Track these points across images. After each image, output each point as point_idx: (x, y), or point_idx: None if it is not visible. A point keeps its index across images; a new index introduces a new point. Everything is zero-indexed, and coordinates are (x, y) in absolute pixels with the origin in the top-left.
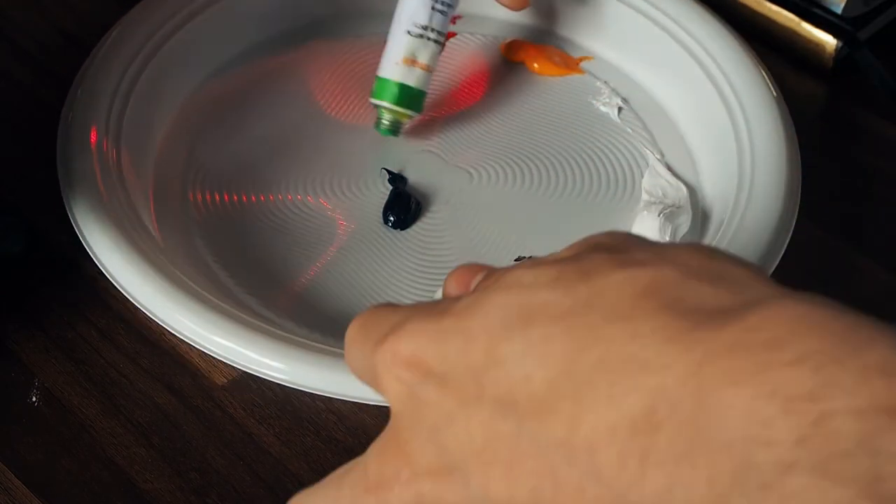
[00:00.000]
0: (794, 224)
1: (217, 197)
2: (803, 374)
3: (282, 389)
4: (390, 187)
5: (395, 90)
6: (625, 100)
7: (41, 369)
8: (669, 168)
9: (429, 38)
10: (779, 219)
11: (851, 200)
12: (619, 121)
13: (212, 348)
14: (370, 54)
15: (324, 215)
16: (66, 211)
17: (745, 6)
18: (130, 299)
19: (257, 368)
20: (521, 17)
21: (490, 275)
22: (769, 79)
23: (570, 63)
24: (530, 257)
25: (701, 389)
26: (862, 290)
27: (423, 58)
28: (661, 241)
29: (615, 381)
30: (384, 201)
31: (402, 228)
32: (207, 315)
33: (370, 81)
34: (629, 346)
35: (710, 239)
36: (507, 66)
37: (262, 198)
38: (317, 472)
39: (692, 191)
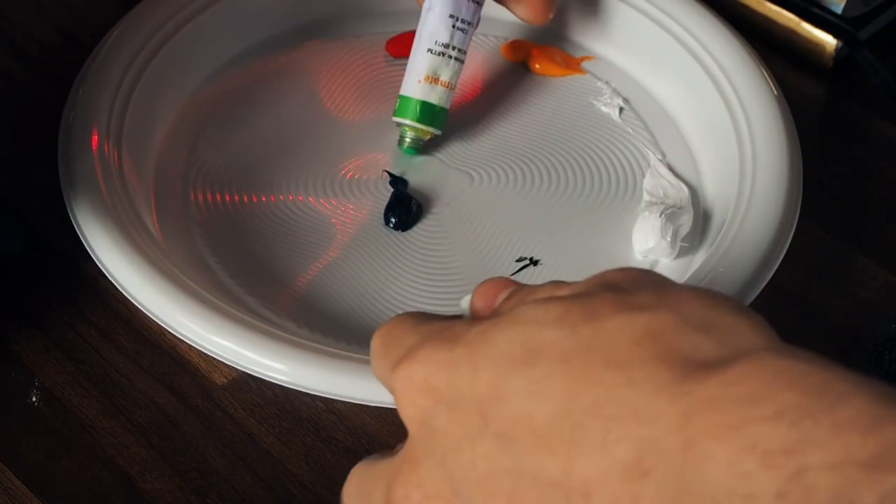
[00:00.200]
0: (795, 224)
1: (218, 197)
2: (780, 428)
3: (282, 390)
4: (391, 190)
5: (416, 108)
6: (626, 100)
7: (41, 369)
8: (671, 168)
9: (450, 56)
10: (780, 219)
11: (851, 200)
12: (620, 121)
13: (212, 349)
14: (371, 54)
15: (325, 216)
16: (66, 211)
17: (745, 6)
18: (131, 299)
19: (257, 369)
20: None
21: (513, 295)
22: (770, 78)
23: (572, 63)
24: (531, 258)
25: (687, 441)
26: (862, 291)
27: (445, 75)
28: (674, 280)
29: (608, 427)
30: (385, 203)
31: (404, 230)
32: (207, 315)
33: (371, 82)
34: (623, 391)
35: (711, 239)
36: (508, 67)
37: (263, 198)
38: (317, 472)
39: (693, 191)
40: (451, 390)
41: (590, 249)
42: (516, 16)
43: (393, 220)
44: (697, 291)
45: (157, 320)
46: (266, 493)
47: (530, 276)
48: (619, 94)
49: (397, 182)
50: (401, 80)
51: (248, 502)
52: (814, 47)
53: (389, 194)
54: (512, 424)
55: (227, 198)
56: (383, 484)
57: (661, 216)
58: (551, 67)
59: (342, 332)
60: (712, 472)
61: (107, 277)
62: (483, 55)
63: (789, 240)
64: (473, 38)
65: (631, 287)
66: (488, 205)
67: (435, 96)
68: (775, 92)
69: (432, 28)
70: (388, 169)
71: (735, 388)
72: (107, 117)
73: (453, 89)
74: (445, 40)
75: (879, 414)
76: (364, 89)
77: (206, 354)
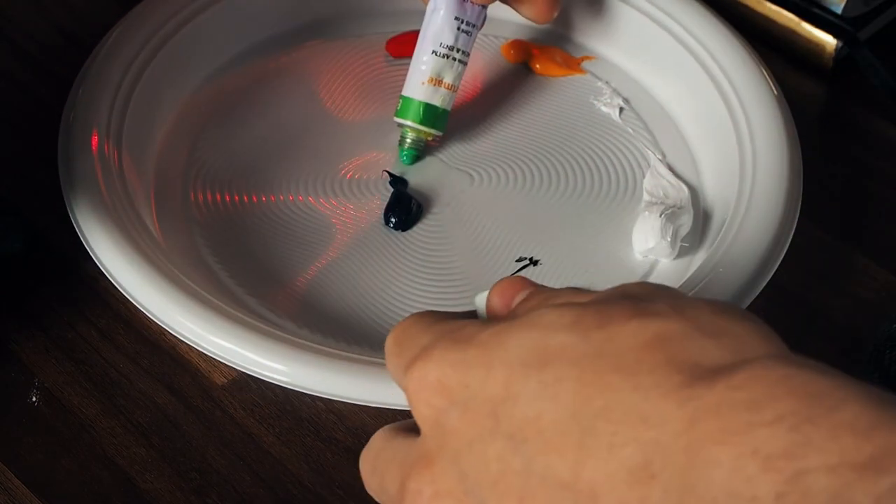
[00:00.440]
0: (795, 224)
1: (218, 197)
2: (780, 433)
3: (282, 390)
4: (391, 189)
5: (419, 110)
6: (626, 100)
7: (41, 369)
8: (671, 168)
9: (454, 59)
10: (780, 219)
11: (851, 200)
12: (620, 121)
13: (211, 349)
14: (371, 54)
15: (325, 216)
16: (66, 211)
17: (744, 6)
18: (131, 300)
19: (257, 370)
20: (523, 19)
21: (531, 297)
22: (770, 78)
23: (572, 63)
24: (531, 259)
25: (692, 446)
26: (862, 291)
27: (449, 78)
28: (673, 282)
29: (616, 430)
30: (385, 203)
31: (403, 230)
32: (207, 316)
33: (371, 82)
34: (632, 396)
35: (711, 239)
36: (509, 67)
37: (263, 198)
38: (317, 472)
39: (694, 191)
40: (465, 391)
41: (590, 249)
42: (521, 15)
43: (393, 220)
44: (710, 302)
45: (156, 321)
46: (266, 493)
47: (530, 276)
48: (619, 94)
49: (397, 182)
50: (401, 81)
51: (248, 502)
52: (814, 47)
53: (389, 194)
54: (523, 426)
55: (228, 198)
56: (398, 471)
57: (661, 216)
58: (552, 67)
59: (342, 333)
60: (717, 476)
61: (107, 277)
62: (483, 55)
63: (789, 240)
64: None
65: (647, 297)
66: (488, 205)
67: (438, 98)
68: (775, 92)
69: (437, 30)
70: (388, 169)
71: (739, 393)
72: (107, 117)
73: (456, 91)
74: (450, 42)
75: (876, 418)
76: (364, 89)
77: (206, 354)
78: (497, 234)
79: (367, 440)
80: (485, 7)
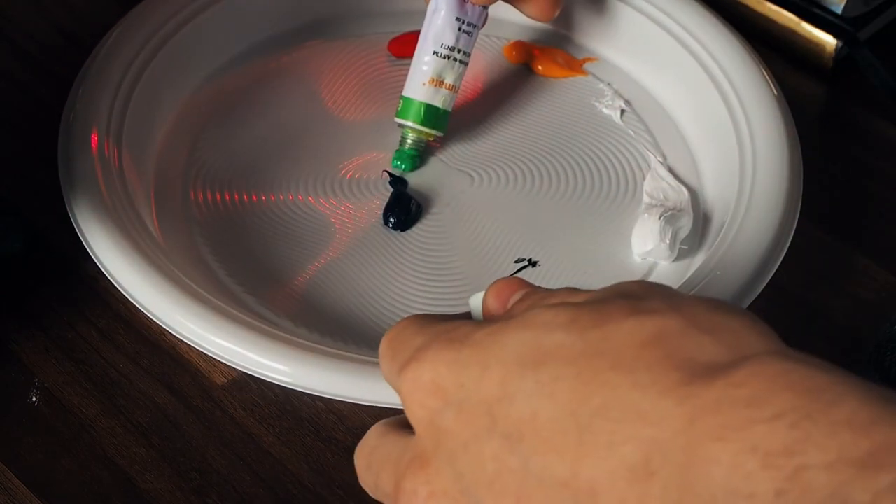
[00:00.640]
0: (794, 227)
1: (218, 196)
2: (780, 430)
3: (282, 390)
4: (391, 189)
5: (420, 111)
6: (628, 102)
7: (41, 369)
8: (671, 171)
9: (455, 59)
10: (780, 221)
11: (851, 201)
12: (621, 123)
13: (211, 349)
14: (372, 54)
15: (324, 216)
16: (66, 211)
17: (744, 6)
18: (131, 300)
19: (257, 370)
20: (525, 20)
21: (527, 297)
22: (771, 79)
23: (574, 65)
24: (530, 260)
25: (691, 443)
26: (862, 291)
27: (450, 78)
28: (673, 284)
29: (615, 428)
30: (385, 203)
31: (403, 230)
32: (207, 316)
33: (372, 81)
34: (630, 394)
35: (710, 242)
36: (510, 68)
37: (263, 198)
38: (317, 472)
39: (694, 194)
40: (460, 391)
41: (589, 251)
42: (524, 13)
43: (392, 220)
44: (705, 299)
45: (157, 321)
46: (266, 493)
47: (529, 277)
48: (620, 96)
49: (397, 182)
50: (403, 81)
51: (248, 502)
52: (814, 47)
53: (389, 194)
54: (519, 425)
55: (228, 197)
56: (392, 470)
57: (660, 218)
58: (554, 69)
59: (341, 332)
60: (716, 473)
61: (107, 277)
62: (485, 56)
63: (788, 242)
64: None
65: (643, 295)
66: (488, 205)
67: (439, 99)
68: (776, 93)
69: (438, 30)
70: (388, 169)
71: (738, 390)
72: (107, 117)
73: (457, 92)
74: (451, 43)
75: (874, 415)
76: (365, 89)
77: (205, 354)
78: (497, 235)
79: None
80: (486, 7)
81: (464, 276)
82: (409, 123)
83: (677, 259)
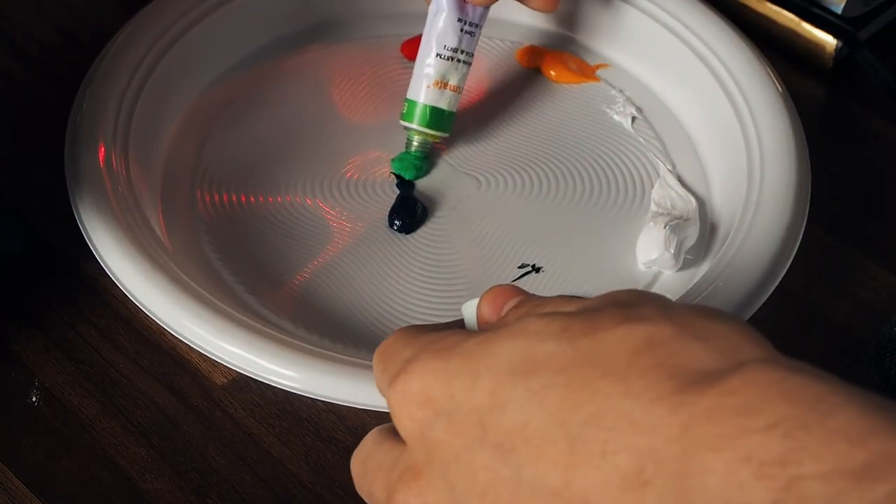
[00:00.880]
0: (801, 236)
1: (225, 197)
2: (774, 439)
3: (282, 390)
4: (397, 192)
5: (425, 113)
6: (639, 109)
7: (41, 369)
8: (680, 179)
9: (459, 60)
10: (786, 229)
11: (852, 201)
12: (632, 130)
13: (215, 352)
14: (377, 57)
15: (330, 218)
16: (66, 211)
17: (745, 6)
18: (137, 303)
19: (261, 374)
20: (538, 23)
21: (521, 305)
22: (781, 86)
23: (586, 70)
24: (533, 265)
25: (685, 452)
26: (862, 292)
27: (454, 80)
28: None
29: (608, 437)
30: (391, 205)
31: (408, 232)
32: (211, 318)
33: (377, 83)
34: (622, 402)
35: (716, 251)
36: (522, 72)
37: (269, 199)
38: (317, 472)
39: (702, 203)
40: (450, 401)
41: (594, 258)
42: (528, 6)
43: (397, 222)
44: (697, 307)
45: (161, 323)
46: (266, 493)
47: (532, 283)
48: (632, 103)
49: (404, 184)
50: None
51: (248, 502)
52: (814, 47)
53: (395, 196)
54: (511, 435)
55: (234, 198)
56: (385, 480)
57: (665, 227)
58: (566, 74)
59: (346, 335)
60: (710, 483)
61: (107, 277)
62: (497, 60)
63: (794, 251)
64: (488, 42)
65: (635, 303)
66: (494, 210)
67: (444, 101)
68: (784, 100)
69: (441, 32)
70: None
71: (732, 398)
72: (114, 119)
73: (461, 92)
74: (454, 44)
75: (870, 424)
76: (373, 92)
77: (206, 355)
78: (501, 240)
79: None
80: (487, 7)
81: (468, 281)
82: (415, 126)
83: (682, 269)
